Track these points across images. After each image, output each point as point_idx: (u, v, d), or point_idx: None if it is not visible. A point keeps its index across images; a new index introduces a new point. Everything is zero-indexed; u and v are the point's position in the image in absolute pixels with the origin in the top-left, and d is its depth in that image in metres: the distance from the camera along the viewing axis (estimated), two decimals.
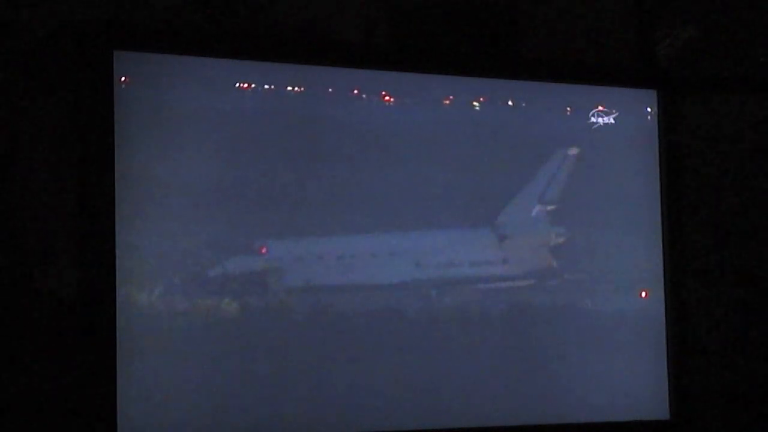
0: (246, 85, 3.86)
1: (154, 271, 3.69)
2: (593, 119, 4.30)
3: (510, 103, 4.21)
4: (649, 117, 4.38)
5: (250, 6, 4.10)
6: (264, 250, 3.85)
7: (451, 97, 4.12)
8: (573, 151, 4.27)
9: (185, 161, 3.75)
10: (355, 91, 3.99)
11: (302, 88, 3.92)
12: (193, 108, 3.77)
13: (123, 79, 3.68)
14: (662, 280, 4.34)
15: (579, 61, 4.44)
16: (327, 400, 3.87)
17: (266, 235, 3.85)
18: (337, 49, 4.07)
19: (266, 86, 3.88)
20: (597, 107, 4.30)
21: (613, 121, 4.32)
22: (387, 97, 4.03)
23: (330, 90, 3.96)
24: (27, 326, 3.71)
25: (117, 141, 3.66)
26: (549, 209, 4.23)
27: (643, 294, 4.33)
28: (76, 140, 3.74)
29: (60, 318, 3.72)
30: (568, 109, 4.28)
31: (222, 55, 3.84)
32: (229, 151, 3.82)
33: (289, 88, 3.91)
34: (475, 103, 4.16)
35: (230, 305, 3.78)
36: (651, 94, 4.38)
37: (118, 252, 3.64)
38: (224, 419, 3.74)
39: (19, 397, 3.66)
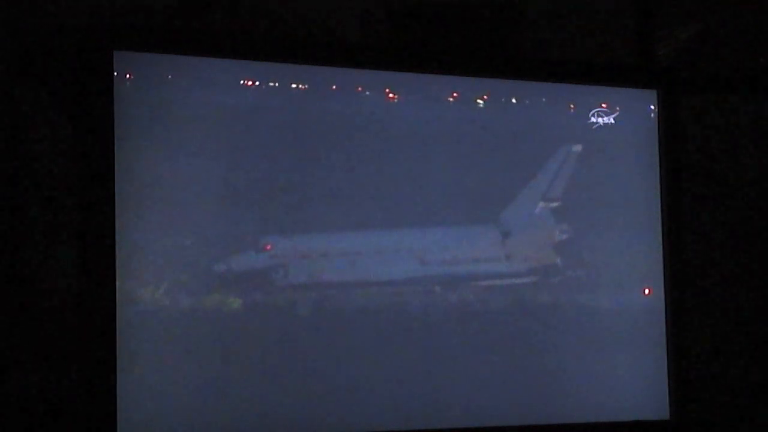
0: (249, 82, 3.85)
1: (157, 269, 3.68)
2: (594, 119, 4.31)
3: (513, 100, 4.21)
4: (651, 116, 4.39)
5: (250, 6, 4.11)
6: (268, 247, 3.84)
7: (454, 94, 4.13)
8: (575, 149, 4.28)
9: (187, 159, 3.74)
10: (359, 89, 4.00)
11: (306, 86, 3.91)
12: (195, 105, 3.76)
13: (127, 76, 3.67)
14: (662, 279, 4.34)
15: (579, 61, 4.45)
16: (330, 397, 3.86)
17: (271, 231, 3.84)
18: (338, 49, 4.07)
19: (270, 83, 3.87)
20: (598, 106, 4.31)
21: (613, 121, 4.33)
22: (390, 95, 4.04)
23: (333, 87, 3.95)
24: (27, 326, 3.70)
25: (117, 141, 3.64)
26: (551, 207, 4.23)
27: (646, 291, 4.33)
28: (77, 140, 3.73)
29: (60, 318, 3.71)
30: (571, 106, 4.29)
31: (222, 55, 3.83)
32: (232, 149, 3.81)
33: (293, 85, 3.90)
34: (478, 101, 4.16)
35: (234, 302, 3.77)
36: (651, 94, 4.38)
37: (119, 251, 3.62)
38: (227, 417, 3.72)
39: (18, 397, 3.66)
